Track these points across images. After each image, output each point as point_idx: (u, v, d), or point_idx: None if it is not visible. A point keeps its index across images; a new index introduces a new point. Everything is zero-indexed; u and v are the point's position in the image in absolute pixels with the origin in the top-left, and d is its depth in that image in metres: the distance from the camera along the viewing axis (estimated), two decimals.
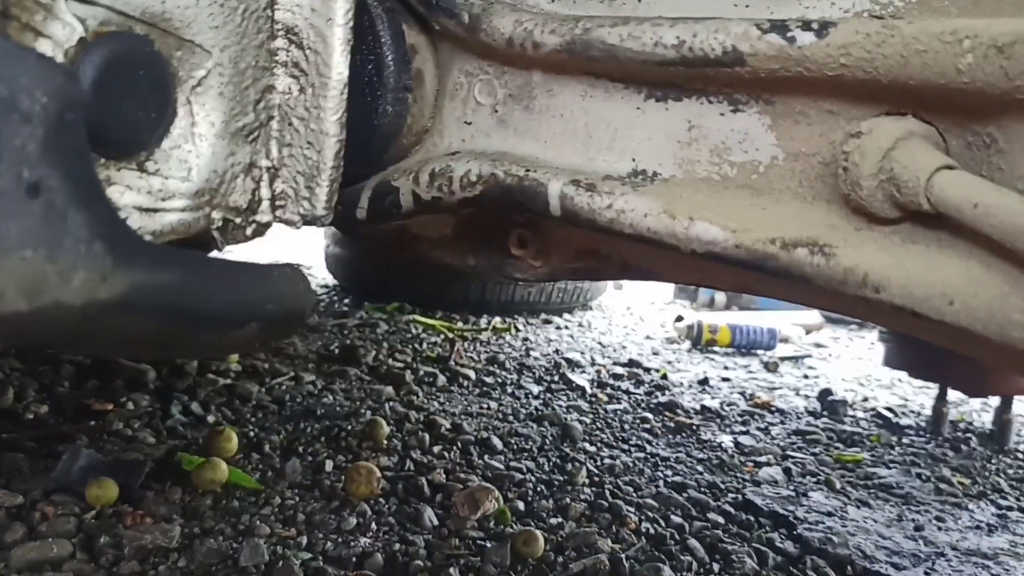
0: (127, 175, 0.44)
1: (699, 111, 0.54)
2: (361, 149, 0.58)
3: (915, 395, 2.75)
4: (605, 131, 0.56)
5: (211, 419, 1.73)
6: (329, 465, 1.57)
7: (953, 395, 2.29)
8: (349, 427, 1.77)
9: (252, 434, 1.67)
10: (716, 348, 3.20)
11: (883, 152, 0.46)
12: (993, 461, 2.06)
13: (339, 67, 0.48)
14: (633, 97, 0.55)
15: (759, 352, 3.20)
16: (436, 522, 1.42)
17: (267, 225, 0.48)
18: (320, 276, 3.70)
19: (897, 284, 0.46)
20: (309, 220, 0.50)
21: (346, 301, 3.28)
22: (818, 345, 3.60)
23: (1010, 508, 1.73)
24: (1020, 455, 2.13)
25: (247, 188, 0.48)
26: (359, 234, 0.71)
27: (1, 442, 1.50)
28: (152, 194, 0.45)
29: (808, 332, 3.74)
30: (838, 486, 1.75)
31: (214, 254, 0.52)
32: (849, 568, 1.38)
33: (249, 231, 0.48)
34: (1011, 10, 0.45)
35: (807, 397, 2.56)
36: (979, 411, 2.54)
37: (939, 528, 1.59)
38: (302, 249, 4.19)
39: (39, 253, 0.35)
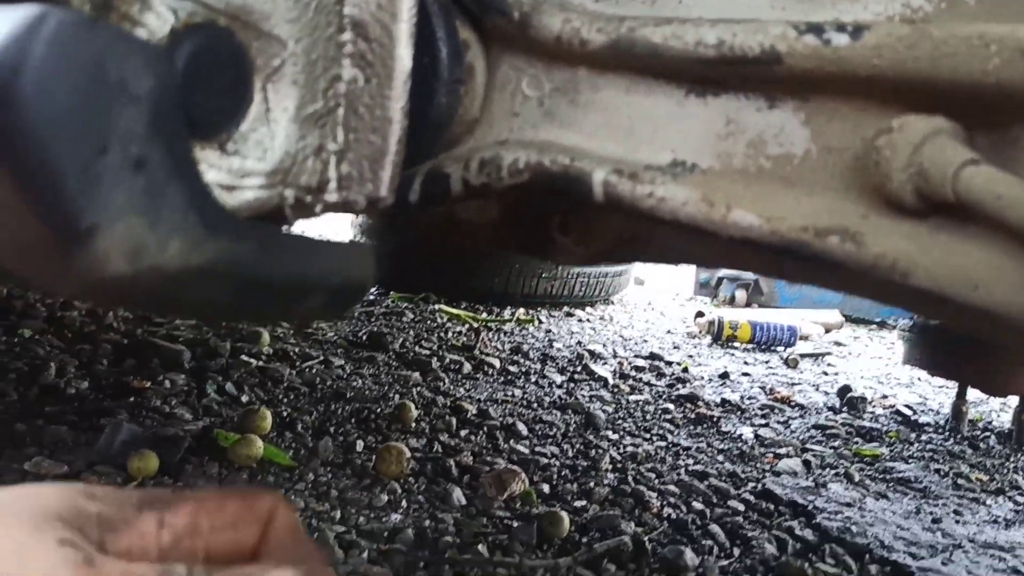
0: (210, 155, 0.47)
1: (737, 107, 0.57)
2: (415, 137, 0.61)
3: (934, 394, 2.76)
4: (647, 124, 0.60)
5: (245, 399, 1.78)
6: (360, 445, 1.62)
7: (972, 394, 2.31)
8: (378, 409, 1.81)
9: (284, 414, 1.71)
10: (736, 344, 3.22)
11: (913, 147, 0.49)
12: (1011, 459, 2.07)
13: (403, 59, 0.52)
14: (674, 93, 0.59)
15: (779, 349, 3.22)
16: (464, 501, 1.46)
17: (334, 204, 0.52)
18: None
19: (924, 270, 0.49)
20: (372, 201, 0.53)
21: (372, 290, 3.32)
22: (837, 343, 3.61)
23: None
24: None
25: (316, 169, 0.51)
26: (409, 219, 0.74)
27: (45, 415, 1.55)
28: (231, 173, 0.49)
29: (828, 331, 3.75)
30: (857, 479, 1.78)
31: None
32: (867, 557, 1.41)
33: (318, 208, 0.52)
34: None
35: (826, 393, 2.58)
36: (998, 411, 2.56)
37: (957, 521, 1.61)
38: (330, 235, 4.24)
39: (142, 221, 0.39)
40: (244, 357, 2.03)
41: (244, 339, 2.18)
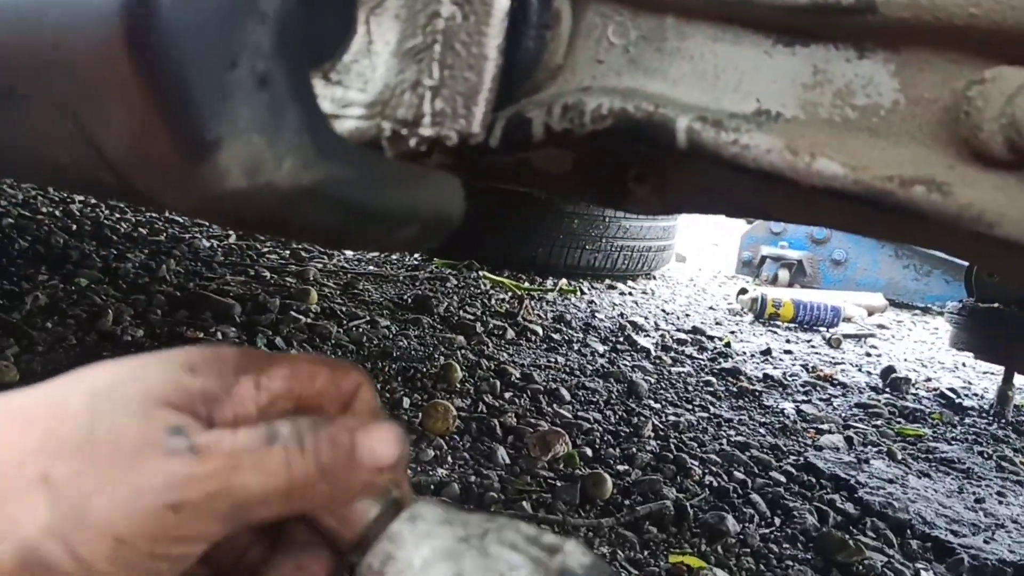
0: (316, 83, 0.49)
1: (825, 56, 0.57)
2: (502, 80, 0.62)
3: (979, 379, 2.74)
4: (732, 73, 0.60)
5: (293, 354, 1.81)
6: (406, 402, 1.64)
7: (1019, 380, 2.29)
8: (424, 369, 1.84)
9: None
10: (778, 322, 3.21)
11: (1007, 97, 0.49)
12: None
13: None
14: (762, 42, 0.59)
15: (821, 329, 3.21)
16: (508, 460, 1.48)
17: (427, 139, 0.54)
18: None
19: (1011, 221, 0.49)
20: (464, 136, 0.55)
21: (416, 256, 3.35)
22: (881, 326, 3.59)
23: None
24: None
25: (413, 103, 0.53)
26: (485, 166, 0.75)
27: (103, 361, 1.58)
28: (334, 101, 0.50)
29: (871, 314, 3.72)
30: (899, 456, 1.78)
31: None
32: (908, 532, 1.42)
33: (413, 142, 0.53)
34: None
35: (869, 374, 2.57)
36: None
37: (1000, 502, 1.61)
38: None
39: (262, 138, 0.41)
40: (293, 313, 2.06)
41: (293, 296, 2.22)
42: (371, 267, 2.92)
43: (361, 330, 2.08)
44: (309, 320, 2.06)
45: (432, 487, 1.34)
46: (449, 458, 1.46)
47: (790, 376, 2.38)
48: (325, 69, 0.50)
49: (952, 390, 2.47)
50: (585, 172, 0.73)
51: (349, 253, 3.08)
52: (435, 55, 0.53)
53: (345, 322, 2.13)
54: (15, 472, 0.40)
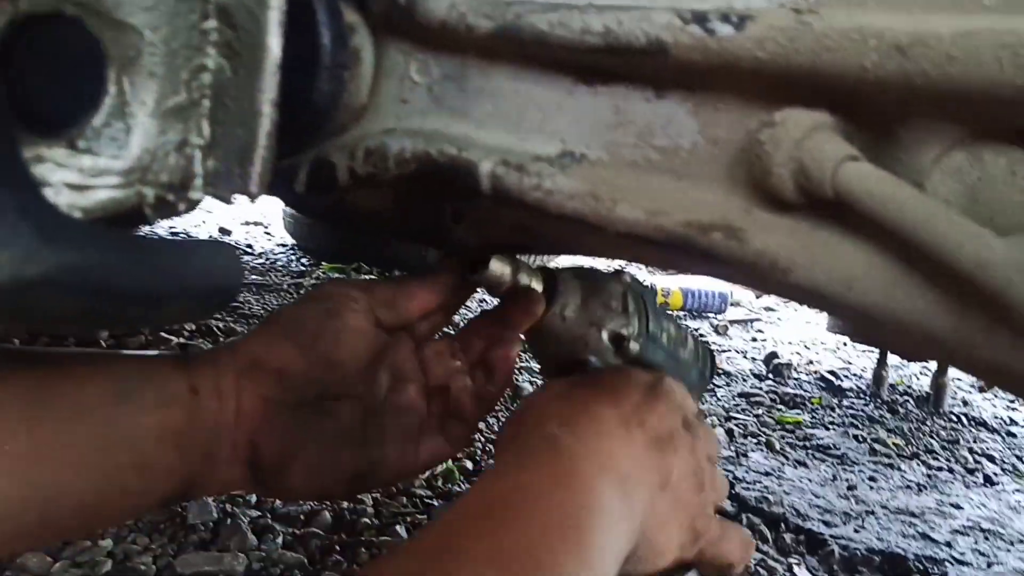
0: (58, 153, 0.45)
1: (625, 96, 0.55)
2: (297, 124, 0.59)
3: (859, 358, 2.82)
4: (536, 113, 0.58)
5: None
6: None
7: (893, 359, 2.36)
8: None
9: None
10: (668, 311, 3.25)
11: (794, 141, 0.48)
12: (927, 423, 2.13)
13: (272, 48, 0.49)
14: (563, 81, 0.57)
15: (710, 315, 3.26)
16: None
17: (199, 200, 0.50)
18: (278, 235, 3.68)
19: (803, 268, 0.48)
20: (241, 195, 0.51)
21: (303, 260, 3.27)
22: (768, 309, 3.67)
23: (940, 468, 1.80)
24: (953, 417, 2.21)
25: (179, 166, 0.49)
26: (301, 206, 0.72)
27: None
28: (83, 171, 0.46)
29: (758, 296, 3.80)
30: (777, 447, 1.81)
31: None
32: (783, 525, 1.44)
33: (182, 207, 0.49)
34: (923, 3, 0.47)
35: (754, 360, 2.62)
36: (918, 375, 2.62)
37: (871, 488, 1.65)
38: (261, 208, 4.16)
39: None
40: (165, 334, 1.98)
41: None
42: (253, 276, 2.84)
43: None
44: (183, 340, 1.98)
45: (302, 517, 1.29)
46: None
47: None
48: (71, 136, 0.46)
49: (832, 372, 2.54)
50: (404, 211, 0.70)
51: None
52: (204, 111, 0.49)
53: (221, 339, 2.05)
54: None
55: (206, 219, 3.72)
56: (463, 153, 0.57)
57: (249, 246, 3.38)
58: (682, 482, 0.63)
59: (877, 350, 2.41)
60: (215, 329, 2.11)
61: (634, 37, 0.51)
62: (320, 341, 0.64)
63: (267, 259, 3.22)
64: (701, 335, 2.95)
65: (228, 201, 0.51)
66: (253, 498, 1.32)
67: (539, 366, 0.77)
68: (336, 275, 3.04)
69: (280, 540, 1.22)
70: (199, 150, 0.49)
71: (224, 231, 3.54)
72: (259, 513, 1.28)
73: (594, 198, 0.54)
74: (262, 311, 2.38)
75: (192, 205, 0.50)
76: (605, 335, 0.72)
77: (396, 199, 0.69)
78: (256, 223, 3.89)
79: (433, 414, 0.68)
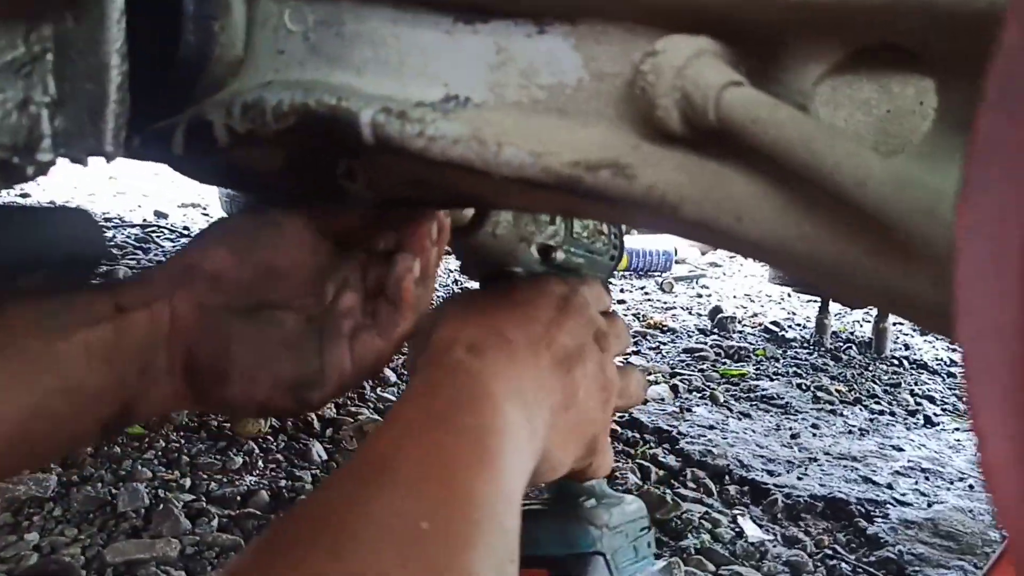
0: None
1: (507, 33, 0.53)
2: (169, 82, 0.55)
3: (802, 308, 2.84)
4: (417, 57, 0.55)
5: None
6: None
7: (835, 307, 2.38)
8: None
9: None
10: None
11: (676, 70, 0.46)
12: (870, 368, 2.15)
13: None
14: (442, 21, 0.54)
15: (655, 273, 3.26)
16: (325, 456, 1.42)
17: (50, 163, 0.46)
18: (215, 214, 3.60)
19: (691, 202, 0.46)
20: (97, 156, 0.48)
21: None
22: (713, 264, 3.68)
23: (881, 412, 1.82)
24: (895, 361, 2.23)
25: (23, 125, 0.45)
26: (187, 171, 0.68)
27: None
28: None
29: (703, 253, 3.81)
30: (721, 400, 1.82)
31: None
32: (727, 477, 1.44)
33: (30, 170, 0.46)
34: None
35: (699, 316, 2.62)
36: (860, 322, 2.65)
37: (814, 435, 1.66)
38: (198, 189, 4.07)
39: None
40: None
41: None
42: None
43: None
44: None
45: (238, 498, 1.26)
46: (260, 462, 1.39)
47: None
48: None
49: (775, 323, 2.55)
50: (296, 170, 0.67)
51: (167, 245, 2.91)
52: (47, 67, 0.46)
53: None
54: None
55: (142, 203, 3.63)
56: (343, 103, 0.54)
57: (186, 228, 3.31)
58: (588, 400, 0.65)
59: (819, 299, 2.42)
60: None
61: None
62: (257, 247, 0.64)
63: None
64: (646, 293, 2.95)
65: (83, 163, 0.48)
66: (187, 482, 1.28)
67: (461, 270, 0.78)
68: None
69: (215, 523, 1.19)
70: (45, 108, 0.46)
71: (160, 214, 3.47)
72: (193, 497, 1.25)
73: (479, 142, 0.51)
74: None
75: (43, 168, 0.47)
76: (534, 249, 0.74)
77: (286, 158, 0.66)
78: (193, 204, 3.82)
79: (368, 313, 0.68)
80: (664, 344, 2.26)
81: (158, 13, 0.53)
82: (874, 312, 2.40)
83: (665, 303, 2.79)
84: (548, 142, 0.51)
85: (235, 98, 0.58)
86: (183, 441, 1.43)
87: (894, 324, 2.33)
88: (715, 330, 2.44)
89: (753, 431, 1.67)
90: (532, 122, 0.52)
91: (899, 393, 1.93)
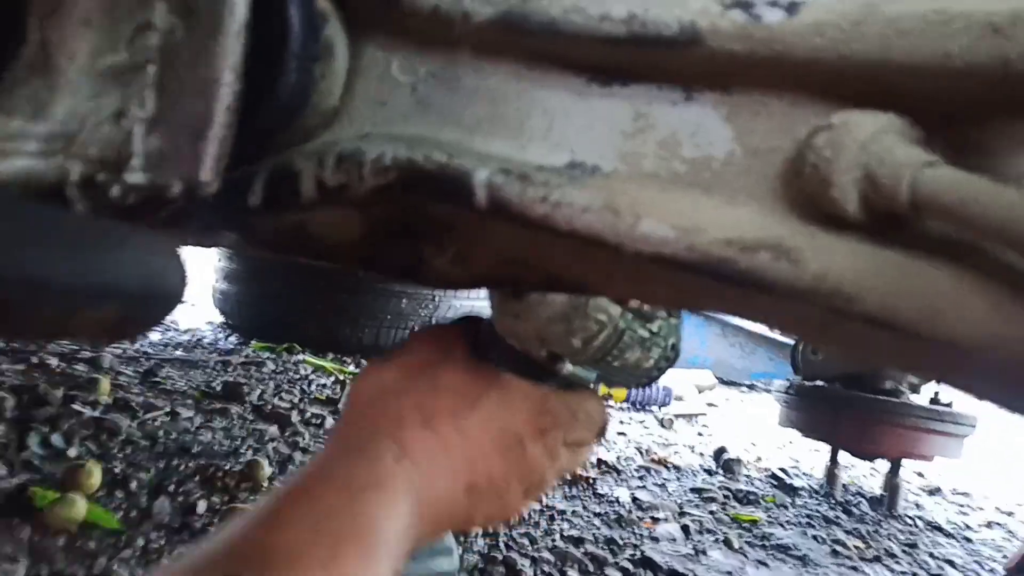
0: None
1: (648, 98, 0.48)
2: (258, 123, 0.50)
3: (806, 456, 2.76)
4: (540, 118, 0.50)
5: (73, 452, 1.57)
6: (202, 506, 1.44)
7: (843, 458, 2.30)
8: (227, 466, 1.64)
9: (118, 470, 1.52)
10: (611, 403, 3.16)
11: (860, 145, 0.41)
12: (884, 525, 2.06)
13: (238, 6, 0.41)
14: (573, 81, 0.49)
15: (653, 408, 3.18)
16: None
17: (137, 188, 0.40)
18: (207, 313, 3.52)
19: (875, 294, 0.40)
20: (191, 186, 0.41)
21: (231, 338, 3.12)
22: (711, 404, 3.61)
23: (903, 573, 1.72)
24: (908, 520, 2.14)
25: (115, 139, 0.39)
26: (250, 231, 0.62)
27: None
28: None
29: (700, 391, 3.74)
30: (736, 545, 1.71)
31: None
32: None
33: (115, 191, 0.39)
34: None
35: (702, 454, 2.53)
36: (867, 475, 2.56)
37: None
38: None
39: None
40: (77, 406, 1.82)
41: (79, 387, 1.97)
42: (178, 352, 2.68)
43: (159, 423, 1.86)
44: (97, 413, 1.82)
45: None
46: None
47: (625, 460, 2.30)
48: None
49: (782, 470, 2.46)
50: (376, 241, 0.61)
51: (154, 336, 2.82)
52: (149, 79, 0.40)
53: (140, 414, 1.90)
54: None
55: None
56: (455, 160, 0.49)
57: (175, 321, 3.22)
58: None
59: (825, 448, 2.35)
60: (132, 405, 1.95)
61: (663, 24, 0.44)
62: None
63: (193, 335, 3.07)
64: (646, 427, 2.87)
65: (172, 191, 0.42)
66: None
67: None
68: (266, 354, 2.89)
69: None
70: (140, 123, 0.40)
71: None
72: None
73: (612, 212, 0.45)
74: (186, 387, 2.23)
75: (127, 193, 0.41)
76: (544, 351, 0.71)
77: (368, 228, 0.60)
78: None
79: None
80: (669, 481, 2.16)
81: (256, 43, 0.47)
82: (882, 467, 2.32)
83: (666, 439, 2.70)
84: (693, 217, 0.45)
85: (329, 148, 0.52)
86: (164, 541, 1.31)
87: (904, 481, 2.25)
88: (720, 471, 2.35)
89: None
90: (672, 196, 0.46)
91: (918, 554, 1.83)
